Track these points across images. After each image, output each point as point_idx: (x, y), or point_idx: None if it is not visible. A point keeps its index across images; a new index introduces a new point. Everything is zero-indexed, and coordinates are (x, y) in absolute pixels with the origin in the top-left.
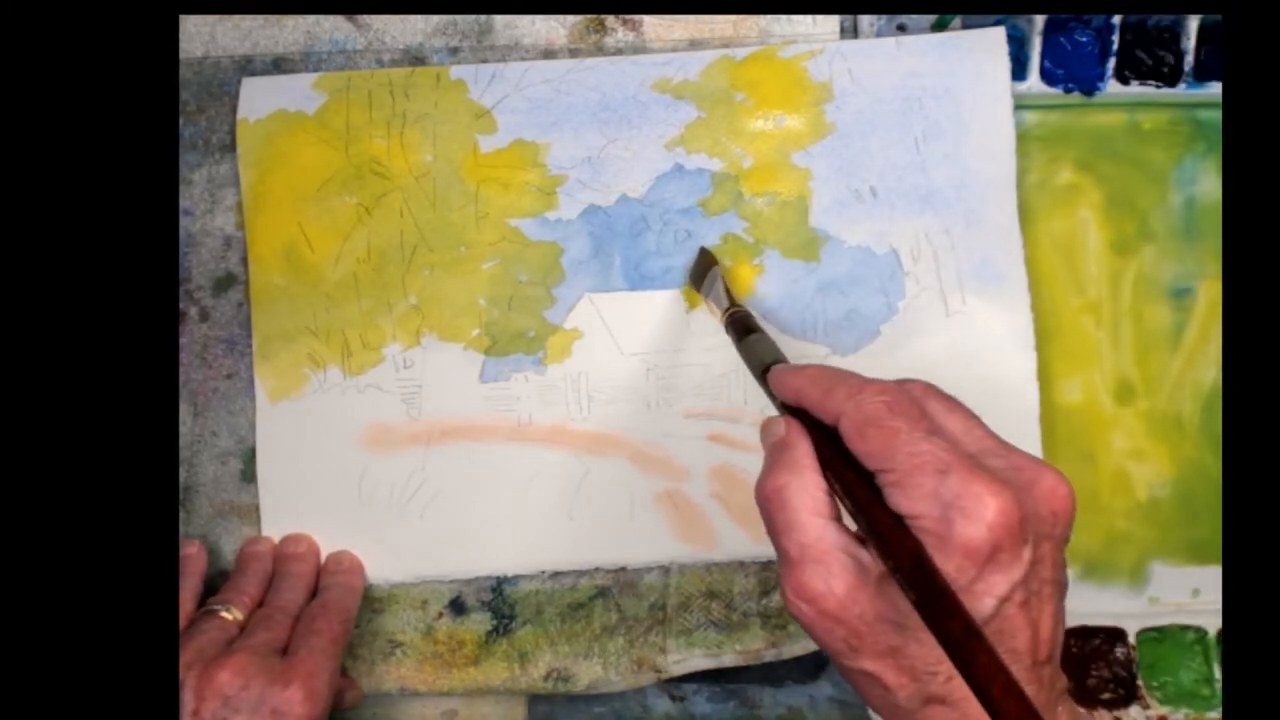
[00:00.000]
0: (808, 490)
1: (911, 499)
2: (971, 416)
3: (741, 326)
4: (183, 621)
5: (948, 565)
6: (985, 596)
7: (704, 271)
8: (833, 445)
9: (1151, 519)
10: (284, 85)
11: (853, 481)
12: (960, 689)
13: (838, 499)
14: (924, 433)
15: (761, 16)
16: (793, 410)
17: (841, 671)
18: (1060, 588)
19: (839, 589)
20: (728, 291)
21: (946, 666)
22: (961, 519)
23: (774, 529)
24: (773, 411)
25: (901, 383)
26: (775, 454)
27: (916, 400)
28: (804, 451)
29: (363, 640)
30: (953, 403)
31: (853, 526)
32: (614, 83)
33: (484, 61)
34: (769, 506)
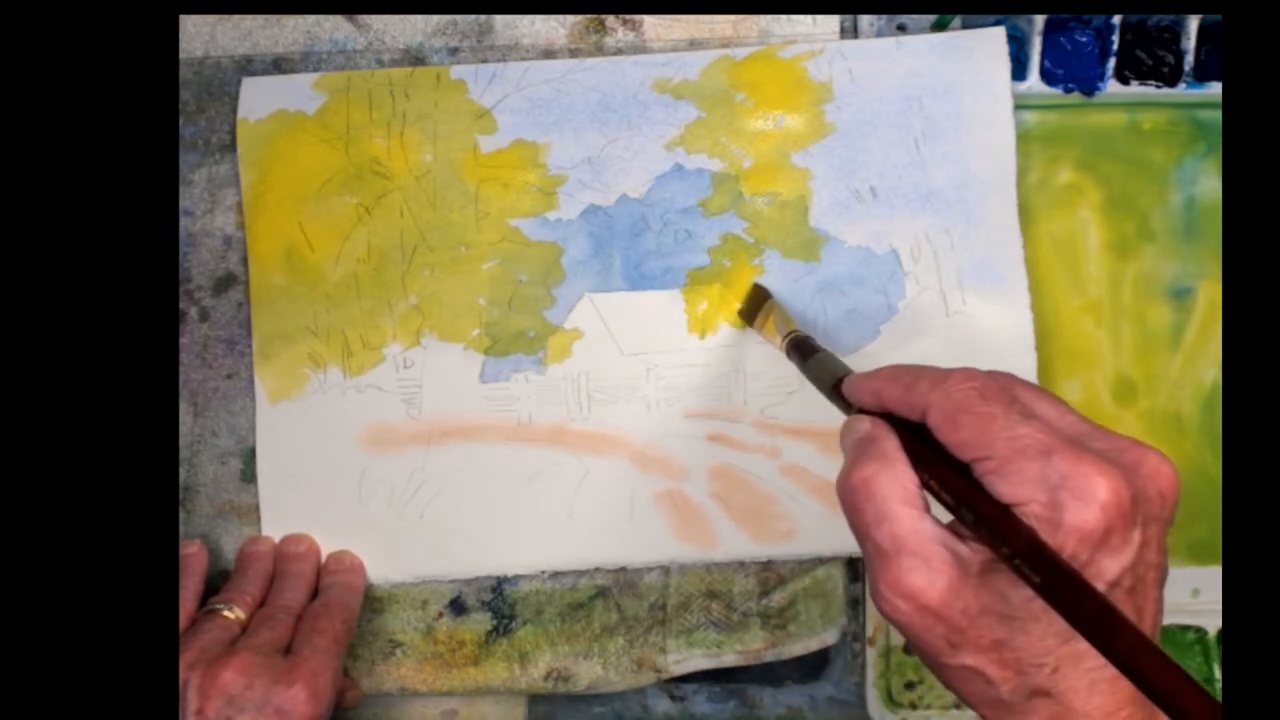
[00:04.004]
0: (899, 480)
1: (1015, 485)
2: (1061, 402)
3: (804, 348)
4: (184, 621)
5: (1061, 551)
6: (1096, 581)
7: (759, 303)
8: (920, 440)
9: None
10: (284, 85)
11: (947, 474)
12: (1065, 680)
13: (929, 494)
14: (1019, 416)
15: (761, 16)
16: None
17: (936, 669)
18: (1163, 573)
19: (940, 583)
20: (786, 317)
21: (1053, 658)
22: (1073, 501)
23: (861, 522)
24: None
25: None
26: (860, 448)
27: (1005, 386)
28: (892, 444)
29: (363, 640)
30: (1040, 390)
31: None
32: (614, 83)
33: (484, 61)
34: (855, 498)
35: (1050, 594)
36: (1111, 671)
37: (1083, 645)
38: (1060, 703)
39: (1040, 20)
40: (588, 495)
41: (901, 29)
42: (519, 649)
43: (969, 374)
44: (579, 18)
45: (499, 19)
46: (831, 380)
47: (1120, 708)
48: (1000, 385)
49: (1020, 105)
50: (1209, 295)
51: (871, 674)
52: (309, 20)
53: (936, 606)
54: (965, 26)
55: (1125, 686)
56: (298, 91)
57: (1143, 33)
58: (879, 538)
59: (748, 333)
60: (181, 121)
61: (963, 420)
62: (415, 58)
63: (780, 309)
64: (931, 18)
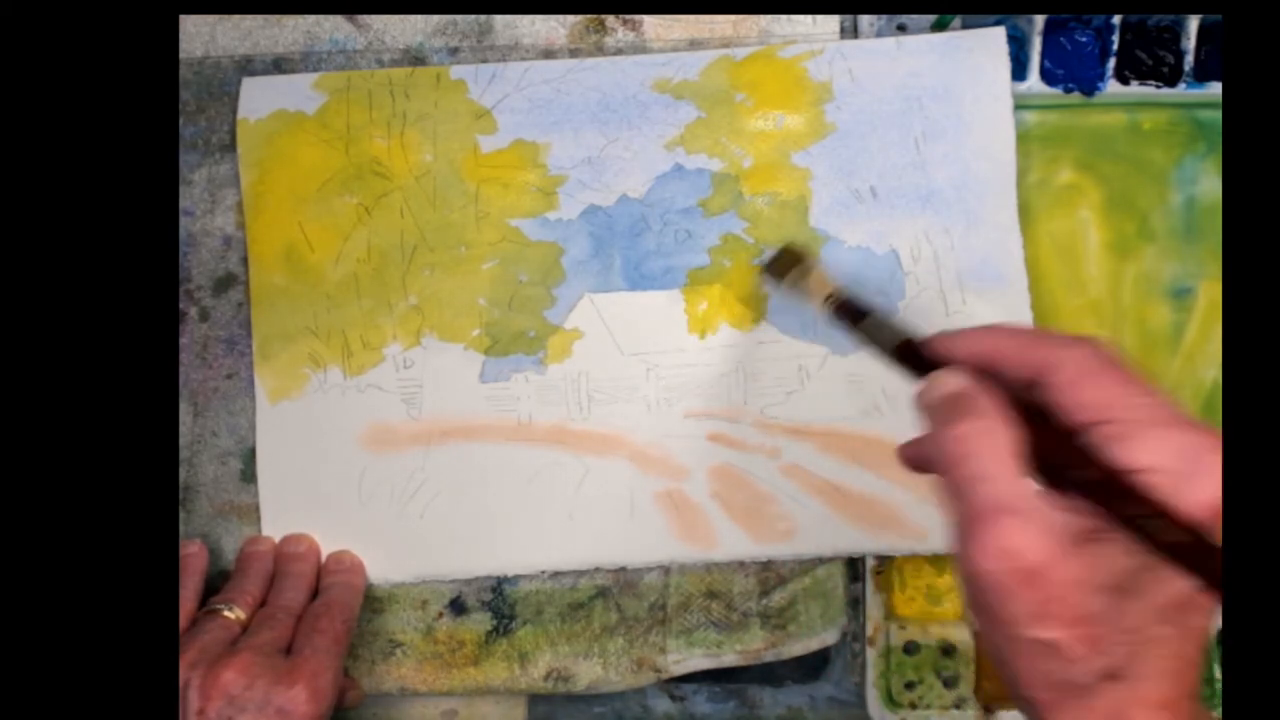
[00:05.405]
0: (999, 438)
1: (1141, 451)
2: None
3: (855, 308)
4: (185, 621)
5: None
6: None
7: (793, 263)
8: (1020, 400)
9: None
10: (284, 85)
11: (1056, 436)
12: (1139, 665)
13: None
14: (1144, 386)
15: (761, 16)
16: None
17: (1002, 642)
18: None
19: (1044, 545)
20: (826, 277)
21: (1139, 637)
22: (1201, 474)
23: (957, 479)
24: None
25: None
26: (951, 404)
27: (1123, 358)
28: (989, 400)
29: (363, 640)
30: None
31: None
32: (614, 83)
33: (484, 61)
34: (949, 456)
35: (1182, 556)
36: (1181, 663)
37: (1168, 630)
38: (1130, 688)
39: (1040, 20)
40: (588, 495)
41: (901, 29)
42: (519, 649)
43: (1093, 338)
44: (579, 18)
45: (499, 19)
46: (896, 341)
47: (1180, 698)
48: (1121, 355)
49: (1020, 105)
50: (1209, 295)
51: (871, 674)
52: (309, 20)
53: (1034, 568)
54: (965, 26)
55: (1188, 680)
56: (298, 91)
57: (1143, 33)
58: (978, 496)
59: (748, 333)
60: (181, 121)
61: (1100, 380)
62: (415, 58)
63: (821, 268)
64: (931, 18)
